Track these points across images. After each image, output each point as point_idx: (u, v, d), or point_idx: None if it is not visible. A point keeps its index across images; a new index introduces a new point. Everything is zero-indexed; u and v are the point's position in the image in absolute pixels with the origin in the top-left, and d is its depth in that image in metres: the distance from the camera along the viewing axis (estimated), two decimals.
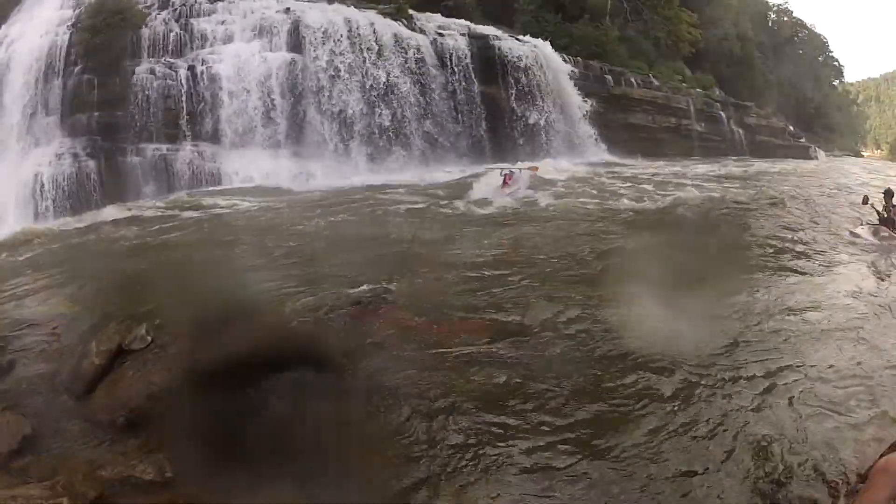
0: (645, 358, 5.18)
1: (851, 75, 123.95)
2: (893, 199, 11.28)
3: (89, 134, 21.94)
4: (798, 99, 50.51)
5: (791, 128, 42.65)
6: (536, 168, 18.91)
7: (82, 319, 6.73)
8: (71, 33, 23.38)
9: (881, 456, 1.31)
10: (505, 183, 16.07)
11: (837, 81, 67.41)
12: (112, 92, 22.45)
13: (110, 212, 18.06)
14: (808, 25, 59.35)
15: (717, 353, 5.36)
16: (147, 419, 4.22)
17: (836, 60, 64.50)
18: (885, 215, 11.10)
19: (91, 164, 21.56)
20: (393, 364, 5.10)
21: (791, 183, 20.32)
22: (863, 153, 76.29)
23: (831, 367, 5.13)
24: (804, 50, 56.54)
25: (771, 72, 45.10)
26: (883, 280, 8.28)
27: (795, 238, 10.76)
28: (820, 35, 61.22)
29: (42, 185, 20.77)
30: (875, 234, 10.87)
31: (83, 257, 12.22)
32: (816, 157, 42.47)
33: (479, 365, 5.12)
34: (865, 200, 11.84)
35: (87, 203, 20.62)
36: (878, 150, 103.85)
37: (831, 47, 75.18)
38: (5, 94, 22.68)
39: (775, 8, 54.22)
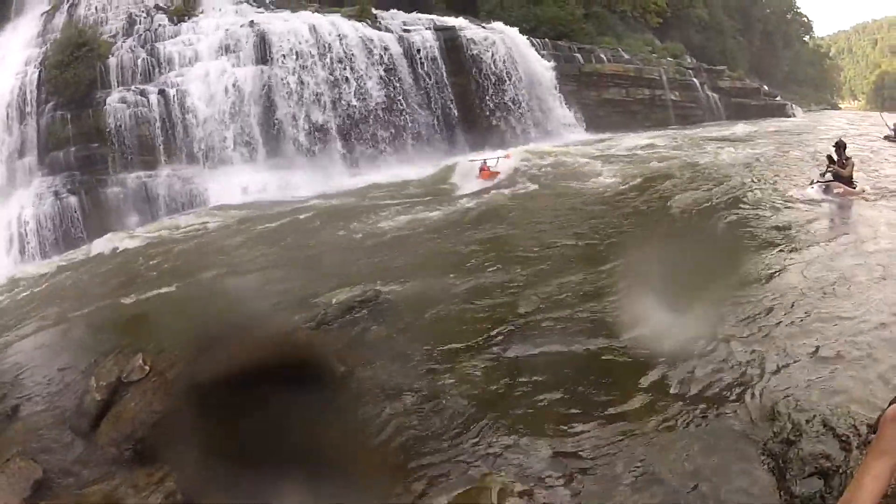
0: (629, 342, 5.15)
1: (822, 29, 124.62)
2: (846, 151, 10.76)
3: (68, 170, 21.96)
4: (770, 58, 50.74)
5: (765, 87, 42.81)
6: (508, 155, 18.86)
7: (79, 357, 6.76)
8: (40, 71, 23.37)
9: (890, 404, 1.31)
10: (482, 172, 16.02)
11: (808, 37, 67.87)
12: (86, 125, 22.49)
13: (96, 246, 18.00)
14: None
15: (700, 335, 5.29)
16: (154, 448, 4.26)
17: (805, 16, 65.09)
18: (836, 169, 10.51)
19: (72, 199, 21.50)
20: (390, 368, 5.10)
21: (758, 143, 20.39)
22: (840, 105, 76.87)
23: (818, 323, 5.13)
24: (771, 8, 56.76)
25: (740, 34, 45.24)
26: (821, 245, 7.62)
27: (744, 204, 10.35)
28: None
29: (26, 227, 20.75)
30: (827, 191, 10.35)
31: (73, 295, 12.21)
32: (794, 114, 42.65)
33: (476, 362, 5.11)
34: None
35: (73, 239, 20.58)
36: (856, 101, 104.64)
37: (798, 3, 75.37)
38: None
39: None
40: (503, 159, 17.66)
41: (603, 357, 4.91)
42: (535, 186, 14.46)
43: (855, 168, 10.71)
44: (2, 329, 9.74)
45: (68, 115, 22.50)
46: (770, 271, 6.57)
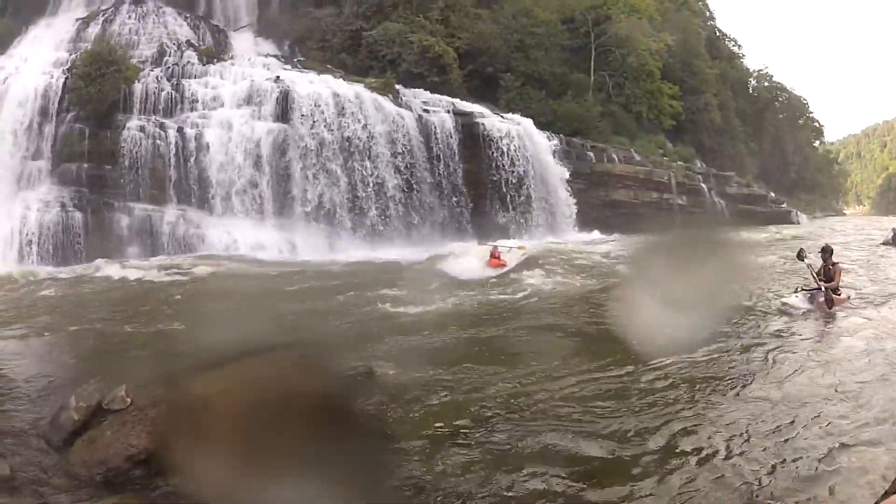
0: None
1: (834, 133, 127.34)
2: (832, 256, 10.45)
3: (78, 185, 22.15)
4: (779, 164, 51.60)
5: (772, 194, 43.50)
6: (523, 248, 18.77)
7: (62, 372, 6.87)
8: (66, 78, 23.73)
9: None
10: (493, 258, 15.92)
11: (818, 142, 69.08)
12: (102, 145, 22.72)
13: (95, 267, 18.11)
14: (788, 88, 61.21)
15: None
16: (125, 481, 4.24)
17: (817, 121, 66.30)
18: (822, 276, 10.17)
19: (78, 216, 21.59)
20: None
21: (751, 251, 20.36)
22: (845, 211, 77.84)
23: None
24: (785, 113, 58.00)
25: (752, 139, 46.13)
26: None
27: (724, 312, 9.53)
28: (800, 97, 63.06)
29: (28, 230, 20.79)
30: (811, 300, 9.94)
31: (65, 311, 12.19)
32: (798, 221, 43.31)
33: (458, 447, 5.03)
34: (801, 255, 10.78)
35: (72, 255, 20.62)
36: (861, 206, 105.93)
37: (812, 108, 77.09)
38: None
39: (755, 74, 55.74)
40: (515, 249, 17.50)
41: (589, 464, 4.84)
42: (540, 282, 14.32)
43: (841, 274, 10.44)
44: None
45: (87, 130, 22.75)
46: (738, 386, 6.46)
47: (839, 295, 10.19)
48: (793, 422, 5.36)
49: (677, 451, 4.93)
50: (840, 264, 10.63)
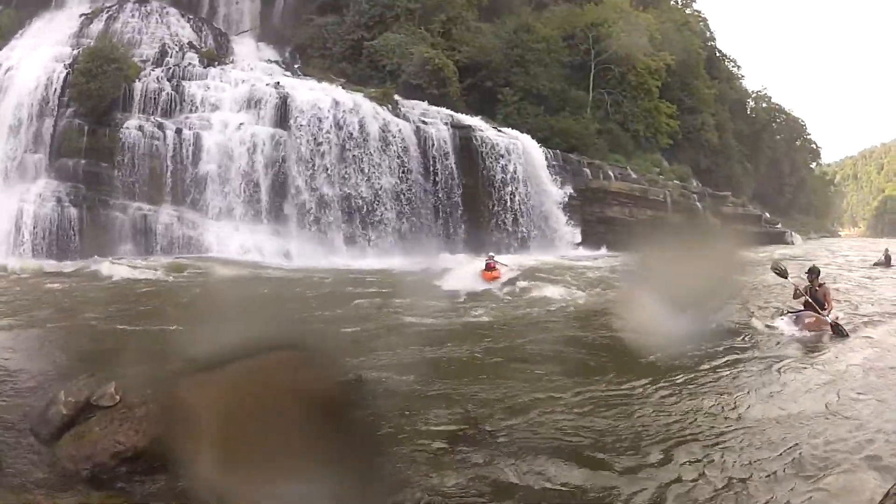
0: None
1: (831, 155, 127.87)
2: (819, 277, 10.22)
3: (74, 180, 22.29)
4: (775, 185, 51.94)
5: (767, 214, 43.75)
6: (513, 268, 18.79)
7: (53, 365, 6.90)
8: (67, 73, 23.85)
9: None
10: (488, 269, 15.91)
11: (815, 164, 69.49)
12: (100, 142, 22.91)
13: (90, 262, 18.24)
14: (787, 110, 61.63)
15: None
16: (112, 477, 4.23)
17: (814, 143, 66.77)
18: (808, 297, 9.88)
19: (73, 211, 21.71)
20: None
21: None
22: (840, 233, 78.28)
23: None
24: (782, 135, 58.36)
25: (748, 159, 46.40)
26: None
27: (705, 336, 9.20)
28: (798, 119, 63.47)
29: (23, 222, 20.95)
30: (797, 322, 9.59)
31: (59, 305, 12.19)
32: (792, 242, 43.54)
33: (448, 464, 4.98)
34: (777, 269, 10.52)
35: (67, 250, 20.80)
36: (856, 228, 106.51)
37: (809, 130, 77.55)
38: None
39: (754, 95, 56.10)
40: (513, 268, 17.40)
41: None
42: (535, 295, 14.29)
43: (828, 295, 10.11)
44: None
45: (85, 126, 22.92)
46: (730, 406, 6.34)
47: (827, 316, 9.88)
48: (789, 442, 5.31)
49: (674, 468, 4.89)
50: (826, 285, 10.36)
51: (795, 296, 10.14)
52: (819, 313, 9.71)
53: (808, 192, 62.01)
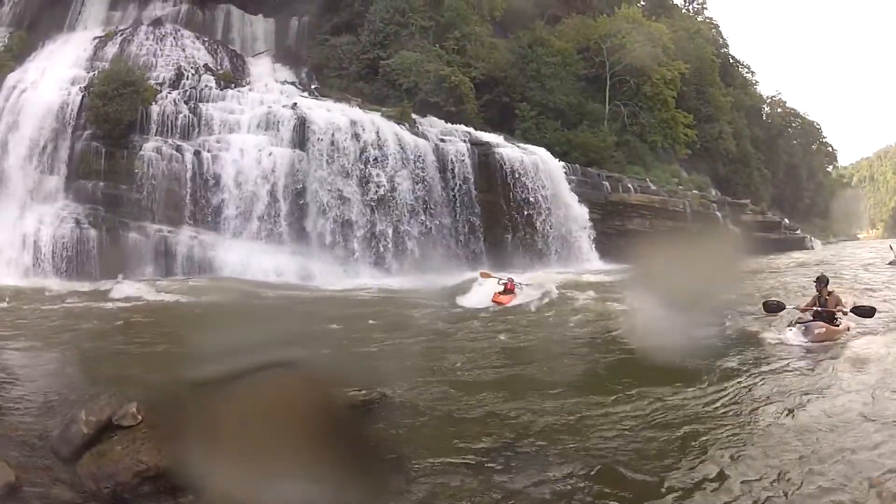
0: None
1: (847, 157, 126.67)
2: (828, 286, 9.90)
3: (93, 203, 22.53)
4: (793, 190, 51.48)
5: (786, 221, 43.38)
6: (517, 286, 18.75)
7: (73, 385, 6.88)
8: (83, 95, 24.10)
9: None
10: (505, 291, 15.89)
11: (832, 167, 68.95)
12: (119, 165, 23.13)
13: (110, 283, 18.21)
14: (802, 114, 61.27)
15: None
16: (133, 496, 4.25)
17: (830, 146, 66.30)
18: (817, 306, 9.70)
19: (92, 233, 21.86)
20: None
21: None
22: (859, 235, 77.31)
23: None
24: (798, 139, 57.98)
25: (765, 165, 46.05)
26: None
27: (711, 348, 9.01)
28: (813, 122, 63.09)
29: (42, 243, 21.12)
30: (807, 333, 9.23)
31: (79, 325, 12.28)
32: (812, 247, 43.17)
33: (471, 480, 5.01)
34: (770, 307, 10.25)
35: (85, 271, 20.93)
36: (874, 230, 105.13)
37: (825, 132, 76.93)
38: (12, 143, 23.18)
39: (769, 100, 55.79)
40: (528, 285, 17.36)
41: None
42: (558, 311, 14.24)
43: (840, 301, 9.82)
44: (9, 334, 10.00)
45: (103, 149, 23.09)
46: (742, 417, 6.32)
47: (838, 325, 9.58)
48: (806, 453, 5.26)
49: (693, 482, 4.87)
50: (836, 293, 10.05)
51: (804, 311, 9.88)
52: (830, 324, 9.43)
53: (826, 196, 61.44)
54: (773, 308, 10.41)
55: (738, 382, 7.47)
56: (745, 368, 8.10)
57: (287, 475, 4.10)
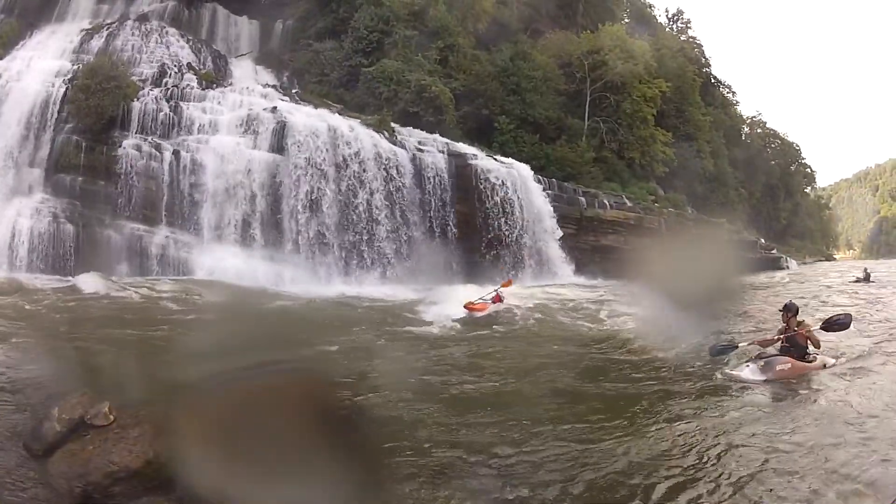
0: None
1: (826, 178, 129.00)
2: (797, 316, 8.66)
3: (71, 197, 22.16)
4: (770, 210, 52.17)
5: (762, 240, 43.97)
6: (510, 282, 19.07)
7: (46, 382, 6.82)
8: (66, 88, 23.82)
9: None
10: (495, 301, 16.00)
11: (810, 188, 69.95)
12: (98, 160, 22.79)
13: (84, 281, 18.04)
14: (781, 135, 62.20)
15: None
16: (104, 496, 4.23)
17: (809, 167, 67.30)
18: (783, 341, 8.50)
19: (69, 228, 21.52)
20: None
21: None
22: (835, 256, 78.48)
23: None
24: (777, 160, 58.79)
25: (743, 185, 46.67)
26: None
27: (651, 387, 8.17)
28: (793, 143, 64.04)
29: (20, 238, 20.73)
30: (766, 369, 8.06)
31: (54, 320, 12.32)
32: (787, 267, 43.78)
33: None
34: (716, 351, 8.83)
35: (61, 266, 20.57)
36: (851, 251, 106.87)
37: (804, 154, 78.11)
38: None
39: (749, 121, 56.55)
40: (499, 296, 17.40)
41: None
42: (529, 325, 14.38)
43: (812, 337, 8.52)
44: None
45: (83, 143, 22.79)
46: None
47: (811, 361, 8.42)
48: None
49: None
50: (807, 324, 8.75)
51: (765, 344, 8.64)
52: (801, 359, 8.31)
53: (803, 217, 62.36)
54: (720, 352, 8.83)
55: (658, 425, 6.73)
56: (675, 408, 7.24)
57: (260, 476, 4.10)
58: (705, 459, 5.64)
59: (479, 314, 15.44)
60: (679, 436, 6.29)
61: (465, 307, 15.57)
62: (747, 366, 8.29)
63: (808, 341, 8.47)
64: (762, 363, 8.17)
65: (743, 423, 6.56)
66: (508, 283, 16.45)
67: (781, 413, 6.95)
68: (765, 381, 7.91)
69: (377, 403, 7.16)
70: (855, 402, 7.00)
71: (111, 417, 4.67)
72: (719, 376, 8.38)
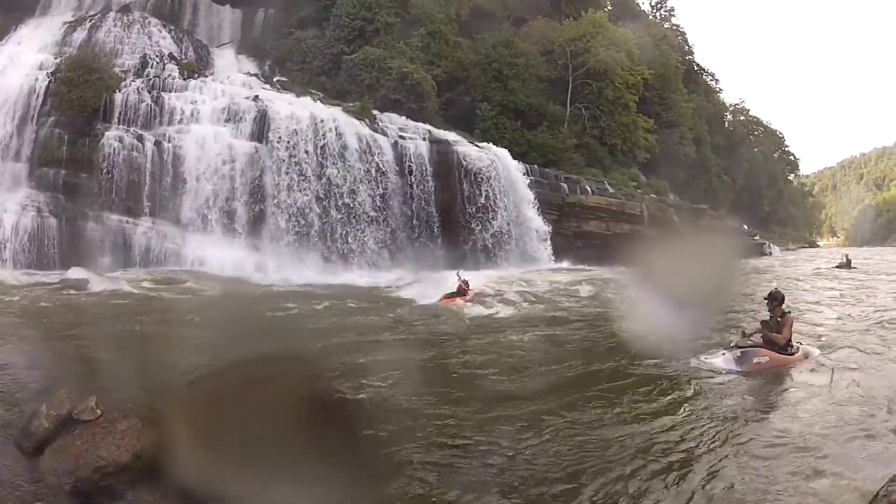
0: None
1: (810, 166, 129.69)
2: (782, 305, 8.24)
3: (54, 191, 22.03)
4: (753, 197, 52.57)
5: (745, 227, 44.38)
6: (471, 291, 18.90)
7: (36, 378, 6.87)
8: (49, 81, 23.65)
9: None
10: (460, 290, 16.01)
11: (793, 175, 70.50)
12: (80, 152, 22.64)
13: (69, 276, 17.73)
14: (765, 122, 62.74)
15: None
16: (94, 491, 4.26)
17: (792, 154, 67.78)
18: (768, 329, 8.10)
19: (52, 222, 21.40)
20: None
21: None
22: (818, 243, 79.32)
23: None
24: (760, 147, 59.19)
25: (726, 172, 46.99)
26: None
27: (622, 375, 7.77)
28: (776, 131, 64.54)
29: (4, 233, 20.59)
30: (742, 360, 7.72)
31: (41, 315, 12.18)
32: (770, 253, 44.20)
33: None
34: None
35: (46, 261, 20.46)
36: (835, 238, 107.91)
37: (788, 141, 78.67)
38: None
39: (732, 108, 56.86)
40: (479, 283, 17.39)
41: None
42: (510, 311, 14.33)
43: (793, 325, 8.19)
44: None
45: (66, 135, 22.66)
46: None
47: (792, 353, 8.06)
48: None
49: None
50: (791, 314, 8.35)
51: (745, 336, 8.19)
52: (782, 352, 7.95)
53: (786, 204, 62.90)
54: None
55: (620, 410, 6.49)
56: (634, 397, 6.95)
57: (248, 470, 4.17)
58: (658, 453, 5.43)
59: (456, 307, 15.50)
60: (638, 433, 5.95)
61: (440, 301, 15.62)
62: (723, 353, 8.00)
63: (785, 330, 8.10)
64: (738, 353, 7.85)
65: (714, 415, 6.32)
66: (464, 287, 16.29)
67: (754, 404, 6.78)
68: (736, 369, 7.66)
69: (365, 392, 7.15)
70: (835, 393, 6.84)
71: (98, 412, 4.65)
72: (693, 363, 8.07)
